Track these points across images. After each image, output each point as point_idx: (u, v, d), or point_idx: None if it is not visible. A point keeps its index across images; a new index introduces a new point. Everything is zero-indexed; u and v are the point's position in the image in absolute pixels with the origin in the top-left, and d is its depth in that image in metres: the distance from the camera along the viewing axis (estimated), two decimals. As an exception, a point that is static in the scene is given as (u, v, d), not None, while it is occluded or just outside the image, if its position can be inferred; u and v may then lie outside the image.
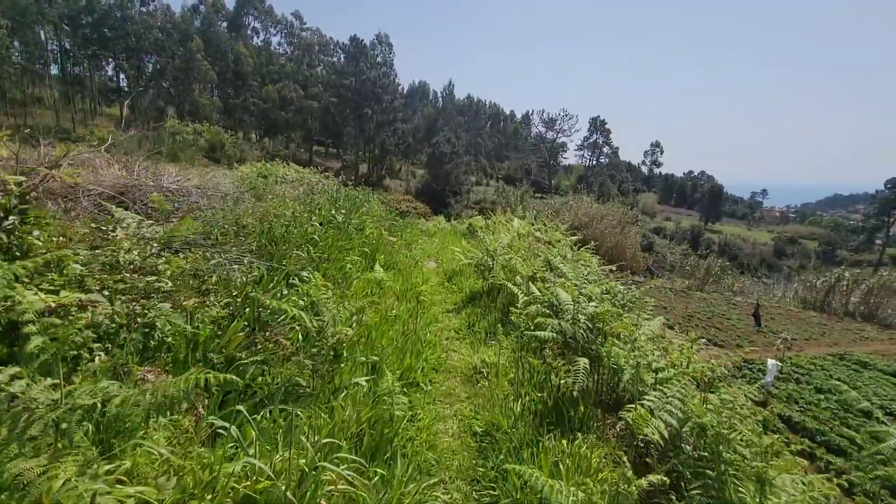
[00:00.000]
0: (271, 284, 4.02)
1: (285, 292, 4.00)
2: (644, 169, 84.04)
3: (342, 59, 57.98)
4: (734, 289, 23.55)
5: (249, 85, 55.74)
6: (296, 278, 4.68)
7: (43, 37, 54.60)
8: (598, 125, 59.83)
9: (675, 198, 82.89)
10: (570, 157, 75.24)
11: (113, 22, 52.41)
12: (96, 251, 2.55)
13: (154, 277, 2.52)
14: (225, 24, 60.43)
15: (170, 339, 2.21)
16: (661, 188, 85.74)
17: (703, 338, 12.35)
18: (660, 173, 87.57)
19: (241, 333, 2.80)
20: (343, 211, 7.45)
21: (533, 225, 8.59)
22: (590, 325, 3.32)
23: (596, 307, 3.43)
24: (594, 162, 71.91)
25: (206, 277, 3.25)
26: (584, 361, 2.91)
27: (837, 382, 8.95)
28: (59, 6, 51.20)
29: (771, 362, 9.46)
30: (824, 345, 13.18)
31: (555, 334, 3.20)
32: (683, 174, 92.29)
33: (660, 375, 2.82)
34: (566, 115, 58.38)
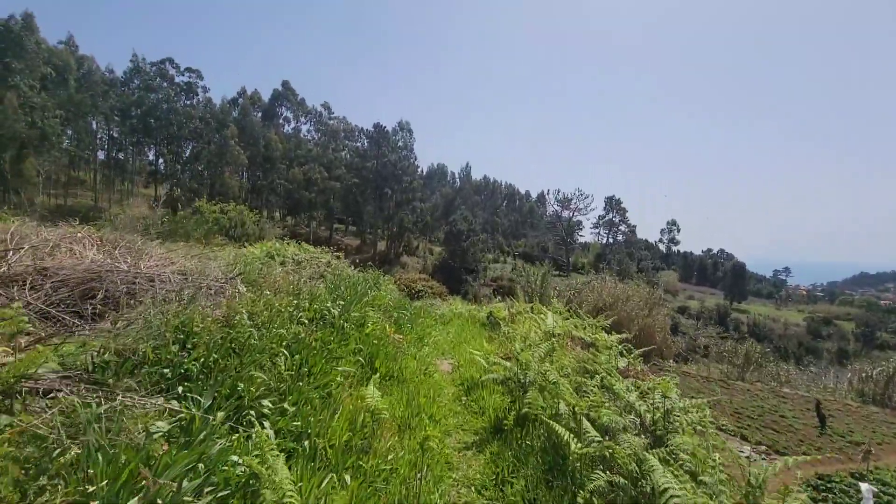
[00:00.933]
0: (203, 433, 2.63)
1: (222, 445, 2.57)
2: (661, 247, 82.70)
3: (365, 143, 60.52)
4: (780, 378, 21.01)
5: (277, 168, 58.05)
6: (254, 412, 3.27)
7: (94, 126, 58.86)
8: (613, 204, 59.72)
9: (696, 276, 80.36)
10: (587, 235, 74.89)
11: (159, 113, 56.29)
12: None
13: None
14: (260, 114, 64.53)
15: None
16: (680, 266, 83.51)
17: (761, 444, 10.12)
18: (678, 251, 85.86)
19: None
20: (341, 302, 6.16)
21: (568, 319, 7.11)
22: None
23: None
24: (611, 240, 71.09)
25: (62, 448, 1.88)
26: None
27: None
28: (112, 99, 55.41)
29: (865, 487, 7.37)
30: (900, 450, 10.89)
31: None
32: (702, 252, 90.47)
33: None
34: (581, 195, 58.74)
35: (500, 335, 7.84)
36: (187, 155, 57.87)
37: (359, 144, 63.27)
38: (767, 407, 14.73)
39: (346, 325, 5.69)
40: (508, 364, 4.82)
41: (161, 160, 58.59)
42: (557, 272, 52.24)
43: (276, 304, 5.18)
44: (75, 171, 65.98)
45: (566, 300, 24.45)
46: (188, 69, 60.08)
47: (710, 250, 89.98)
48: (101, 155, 62.41)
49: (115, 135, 60.41)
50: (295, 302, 5.32)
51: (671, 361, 23.20)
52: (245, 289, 6.49)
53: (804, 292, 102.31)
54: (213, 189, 59.25)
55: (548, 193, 64.87)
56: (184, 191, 58.72)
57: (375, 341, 5.62)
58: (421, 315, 9.80)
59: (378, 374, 5.07)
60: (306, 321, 5.23)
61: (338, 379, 4.49)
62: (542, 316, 7.00)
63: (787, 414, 13.37)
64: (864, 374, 19.42)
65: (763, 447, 9.66)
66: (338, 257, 13.88)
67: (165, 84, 59.10)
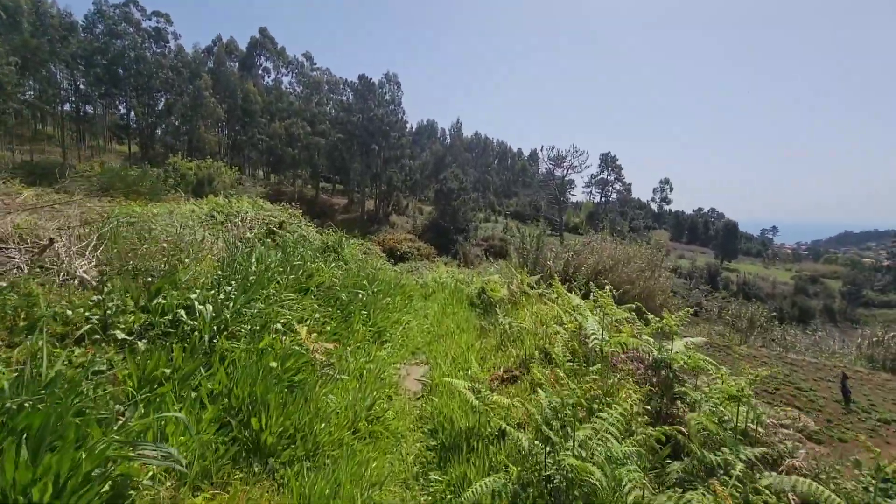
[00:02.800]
0: None
1: None
2: (654, 206, 79.99)
3: (350, 97, 55.94)
4: (785, 343, 19.10)
5: (257, 122, 53.53)
6: None
7: (59, 76, 53.58)
8: (609, 161, 55.84)
9: (688, 235, 78.37)
10: (578, 194, 71.57)
11: (126, 62, 51.14)
12: None
13: None
14: (237, 65, 59.11)
15: None
16: (671, 225, 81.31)
17: (783, 424, 8.05)
18: (670, 210, 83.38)
19: None
20: (229, 287, 3.46)
21: (601, 309, 4.33)
22: None
23: None
24: (603, 199, 67.99)
25: None
26: None
27: None
28: (73, 46, 49.96)
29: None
30: (930, 426, 8.98)
31: None
32: (693, 211, 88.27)
33: None
34: (576, 151, 54.99)
35: (498, 327, 5.23)
36: (159, 108, 53.01)
37: (343, 98, 58.55)
38: (781, 377, 13.21)
39: (220, 335, 3.03)
40: (522, 437, 2.20)
41: (132, 114, 53.63)
42: (550, 232, 49.85)
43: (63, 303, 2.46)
44: (43, 125, 60.90)
45: (563, 263, 22.07)
46: (155, 13, 54.15)
47: (700, 209, 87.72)
48: (68, 108, 57.34)
49: (82, 86, 55.11)
50: (104, 292, 2.60)
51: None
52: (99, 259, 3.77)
53: (789, 251, 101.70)
54: (192, 145, 54.99)
55: (541, 150, 61.05)
56: (159, 146, 54.34)
57: (275, 364, 2.97)
58: (391, 291, 7.14)
59: (261, 442, 2.47)
60: (122, 333, 2.55)
61: (135, 484, 1.88)
62: (565, 299, 4.41)
63: (802, 385, 11.47)
64: (874, 339, 17.67)
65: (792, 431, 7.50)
66: (294, 215, 11.05)
67: (132, 30, 53.40)
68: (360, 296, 5.50)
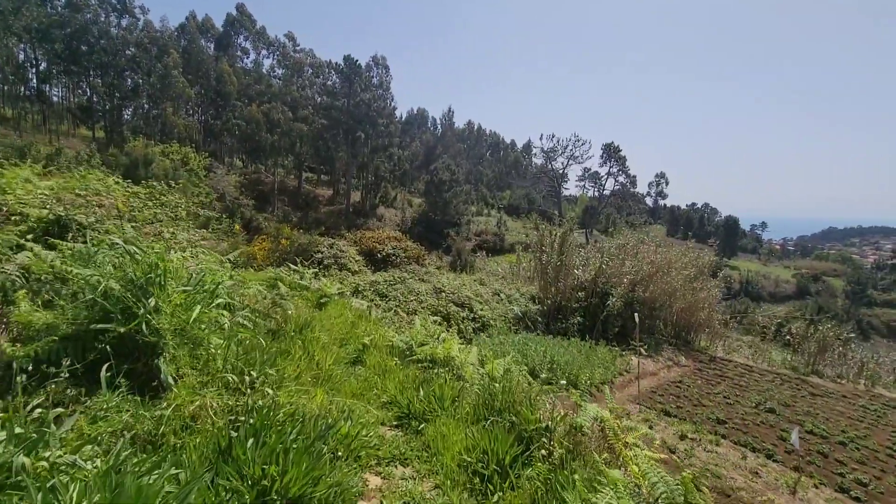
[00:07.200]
0: None
1: None
2: (649, 200, 75.35)
3: (336, 80, 49.97)
4: (866, 371, 14.07)
5: (233, 105, 47.35)
6: None
7: (22, 56, 46.90)
8: (612, 152, 50.37)
9: (682, 230, 73.94)
10: (571, 188, 66.24)
11: (88, 37, 44.52)
12: None
13: None
14: (212, 45, 52.71)
15: None
16: (667, 220, 76.81)
17: None
18: (665, 205, 78.81)
19: None
20: None
21: None
22: None
23: None
24: (596, 193, 62.81)
25: None
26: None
27: None
28: (27, 18, 43.09)
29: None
30: None
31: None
32: (687, 206, 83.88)
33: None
34: (578, 140, 49.44)
35: None
36: (123, 89, 46.53)
37: (328, 82, 52.48)
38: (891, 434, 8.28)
39: None
40: None
41: (94, 95, 47.10)
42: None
43: None
44: (4, 107, 54.09)
45: (594, 271, 16.59)
46: (120, -17, 47.60)
47: (694, 204, 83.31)
48: (24, 90, 50.39)
49: (44, 65, 48.36)
50: None
51: (717, 345, 16.27)
52: None
53: (777, 247, 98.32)
54: (164, 130, 48.51)
55: (540, 139, 55.56)
56: (126, 130, 47.74)
57: None
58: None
59: None
60: None
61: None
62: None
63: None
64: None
65: None
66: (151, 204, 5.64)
67: (94, 1, 46.78)
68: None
